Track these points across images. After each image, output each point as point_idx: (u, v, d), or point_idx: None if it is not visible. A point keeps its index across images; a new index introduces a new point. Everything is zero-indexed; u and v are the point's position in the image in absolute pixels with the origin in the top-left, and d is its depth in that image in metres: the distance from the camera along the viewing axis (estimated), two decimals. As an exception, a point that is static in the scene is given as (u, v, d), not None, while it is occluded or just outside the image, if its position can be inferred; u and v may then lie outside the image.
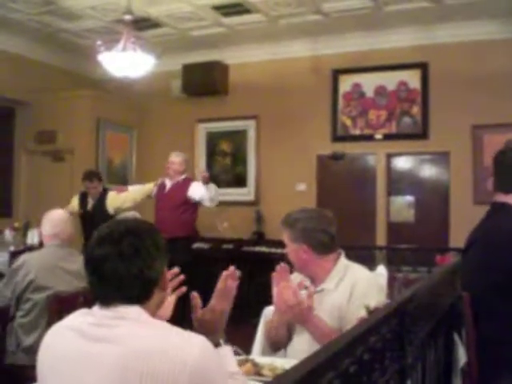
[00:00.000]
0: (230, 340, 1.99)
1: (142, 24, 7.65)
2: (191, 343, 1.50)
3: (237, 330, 2.79)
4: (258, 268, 7.69)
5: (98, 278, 1.59)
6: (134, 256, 1.58)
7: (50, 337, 1.64)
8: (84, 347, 1.51)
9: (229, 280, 2.02)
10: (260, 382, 2.08)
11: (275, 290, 2.61)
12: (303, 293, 2.57)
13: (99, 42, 5.60)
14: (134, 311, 1.56)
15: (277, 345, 2.79)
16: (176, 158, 6.75)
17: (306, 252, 2.76)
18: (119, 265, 1.56)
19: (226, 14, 7.52)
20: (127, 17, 5.75)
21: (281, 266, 2.60)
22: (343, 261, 2.83)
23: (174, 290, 2.10)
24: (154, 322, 1.58)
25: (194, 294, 1.98)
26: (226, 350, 1.87)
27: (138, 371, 1.42)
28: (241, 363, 2.26)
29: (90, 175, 6.92)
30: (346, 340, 1.27)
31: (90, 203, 6.90)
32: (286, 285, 2.56)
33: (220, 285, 2.02)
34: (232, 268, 2.06)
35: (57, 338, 1.61)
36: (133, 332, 1.50)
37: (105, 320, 1.54)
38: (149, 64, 6.00)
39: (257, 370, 2.21)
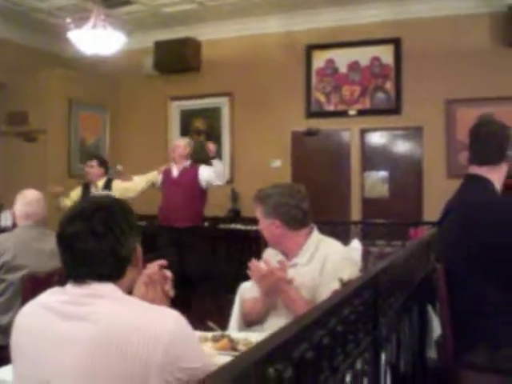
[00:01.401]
0: (209, 316, 1.98)
1: (114, 1, 7.53)
2: (165, 319, 1.50)
3: (215, 307, 2.82)
4: (234, 245, 7.74)
5: (70, 255, 1.58)
6: (106, 233, 1.56)
7: (22, 316, 1.62)
8: (58, 325, 1.50)
9: (155, 274, 1.98)
10: (232, 356, 2.09)
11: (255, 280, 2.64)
12: (276, 265, 2.60)
13: (69, 20, 5.52)
14: (108, 288, 1.55)
15: (252, 321, 2.81)
16: (180, 142, 6.71)
17: (279, 227, 2.78)
18: (91, 242, 1.55)
19: (198, -10, 7.43)
20: (97, -6, 5.66)
21: (251, 263, 2.63)
22: (316, 235, 2.85)
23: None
24: (127, 299, 1.58)
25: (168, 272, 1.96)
26: None
27: (113, 348, 1.42)
28: (217, 339, 2.27)
29: (90, 155, 6.92)
30: (318, 312, 1.28)
31: (93, 191, 6.64)
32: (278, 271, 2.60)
33: (143, 277, 1.96)
34: (159, 262, 2.01)
35: (30, 316, 1.59)
36: (106, 309, 1.50)
37: (78, 298, 1.53)
38: (119, 41, 5.93)
39: (232, 346, 2.22)
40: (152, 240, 6.47)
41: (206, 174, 6.36)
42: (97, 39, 5.67)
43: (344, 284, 2.12)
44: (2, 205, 7.17)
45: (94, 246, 1.55)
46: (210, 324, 2.45)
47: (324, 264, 2.70)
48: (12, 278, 3.48)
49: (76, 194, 6.72)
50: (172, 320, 1.50)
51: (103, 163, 6.70)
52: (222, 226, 8.17)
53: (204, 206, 6.65)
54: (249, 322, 2.82)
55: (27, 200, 3.88)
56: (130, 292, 1.73)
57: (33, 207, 3.83)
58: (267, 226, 2.82)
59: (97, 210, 1.59)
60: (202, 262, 6.50)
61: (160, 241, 6.47)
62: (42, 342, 1.52)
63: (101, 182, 6.60)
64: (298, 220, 2.81)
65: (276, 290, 2.59)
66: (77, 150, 8.73)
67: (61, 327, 1.50)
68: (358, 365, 1.52)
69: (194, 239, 6.42)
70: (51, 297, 1.59)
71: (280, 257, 2.83)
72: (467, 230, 2.63)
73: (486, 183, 2.69)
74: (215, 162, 6.28)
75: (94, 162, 6.60)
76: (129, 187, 6.65)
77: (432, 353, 2.86)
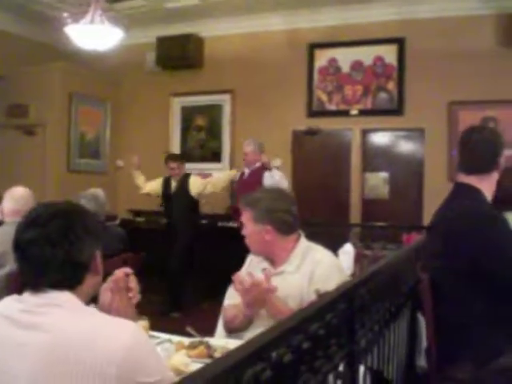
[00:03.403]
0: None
1: (115, -4, 7.49)
2: (120, 333, 1.44)
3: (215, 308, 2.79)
4: (232, 243, 7.66)
5: (25, 262, 1.53)
6: (62, 239, 1.51)
7: None
8: (14, 335, 1.45)
9: (120, 281, 1.90)
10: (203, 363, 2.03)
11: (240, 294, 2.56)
12: (260, 275, 2.52)
13: (66, 14, 5.47)
14: (64, 297, 1.50)
15: (235, 330, 2.72)
16: (247, 148, 6.72)
17: (270, 233, 2.70)
18: (46, 249, 1.50)
19: (201, -14, 7.38)
20: (95, -11, 5.60)
21: (234, 277, 2.55)
22: (304, 241, 2.78)
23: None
24: (83, 309, 1.52)
25: (133, 277, 1.90)
26: None
27: (66, 360, 1.37)
28: (194, 345, 2.21)
29: (174, 155, 7.16)
30: (281, 328, 1.22)
31: (173, 185, 6.96)
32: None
33: (108, 284, 1.89)
34: (125, 269, 1.94)
35: None
36: (61, 319, 1.44)
37: (33, 307, 1.48)
38: (116, 37, 5.87)
39: (209, 353, 2.16)
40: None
41: (267, 182, 6.36)
42: (94, 34, 5.61)
43: (320, 295, 2.06)
44: (1, 198, 7.12)
45: (49, 253, 1.50)
46: (189, 330, 2.39)
47: (313, 273, 2.63)
48: (-3, 275, 3.44)
49: (157, 184, 7.13)
50: (127, 334, 1.45)
51: (184, 161, 7.09)
52: (220, 223, 8.11)
53: None
54: (231, 330, 2.74)
55: (17, 197, 3.86)
56: (94, 299, 1.67)
57: (21, 204, 3.79)
58: (257, 232, 2.72)
59: (53, 217, 1.54)
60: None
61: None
62: None
63: (178, 177, 6.94)
64: (289, 225, 2.74)
65: (261, 301, 2.51)
66: (76, 145, 8.69)
67: (15, 336, 1.45)
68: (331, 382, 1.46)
69: None
70: (8, 304, 1.54)
71: (264, 264, 2.76)
72: (452, 242, 2.56)
73: (473, 193, 2.63)
74: (273, 173, 6.34)
75: (179, 163, 6.94)
76: (209, 181, 7.01)
77: (421, 361, 2.81)
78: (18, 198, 3.81)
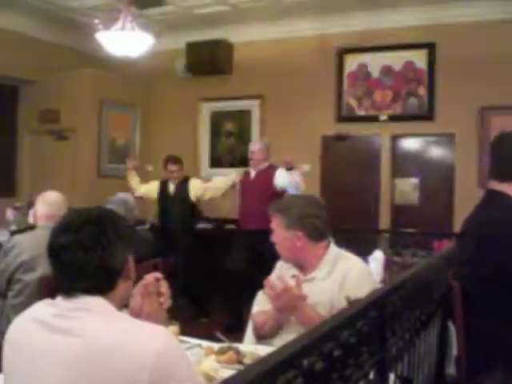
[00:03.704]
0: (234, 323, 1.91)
1: (146, 2, 7.54)
2: (152, 337, 1.45)
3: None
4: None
5: (59, 267, 1.55)
6: (94, 245, 1.53)
7: (14, 329, 1.60)
8: (47, 339, 1.47)
9: (150, 286, 1.90)
10: (236, 370, 2.03)
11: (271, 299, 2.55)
12: (292, 280, 2.52)
13: (97, 21, 5.53)
14: (95, 302, 1.51)
15: (264, 336, 2.72)
16: (254, 147, 6.59)
17: (301, 239, 2.69)
18: (79, 254, 1.52)
19: (230, -8, 7.41)
20: (126, -5, 5.66)
21: (265, 284, 2.54)
22: (334, 248, 2.77)
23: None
24: (115, 314, 1.53)
25: (164, 282, 1.90)
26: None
27: (97, 365, 1.38)
28: (223, 351, 2.21)
29: (174, 158, 6.93)
30: (312, 335, 1.21)
31: (172, 188, 6.86)
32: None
33: (139, 288, 1.89)
34: (155, 274, 1.93)
35: (20, 329, 1.57)
36: (93, 324, 1.46)
37: (67, 311, 1.50)
38: (147, 43, 5.91)
39: (238, 359, 2.16)
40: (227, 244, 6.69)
41: (281, 180, 6.22)
42: (125, 40, 5.66)
43: (351, 302, 2.05)
44: (32, 202, 7.22)
45: (82, 258, 1.52)
46: (219, 335, 2.39)
47: (344, 280, 2.61)
48: (28, 279, 3.48)
49: (153, 186, 7.00)
50: (158, 339, 1.45)
51: (183, 165, 6.93)
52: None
53: None
54: (260, 336, 2.73)
55: (50, 201, 3.89)
56: (126, 305, 1.68)
57: (55, 209, 3.83)
58: (288, 238, 2.71)
59: (86, 222, 1.56)
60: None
61: (234, 245, 6.49)
62: (30, 356, 1.49)
63: (177, 180, 6.83)
64: (319, 231, 2.73)
65: (291, 307, 2.50)
66: (106, 150, 8.77)
67: (48, 340, 1.47)
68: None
69: (263, 243, 6.24)
70: (42, 309, 1.57)
71: (293, 270, 2.75)
72: (482, 248, 2.52)
73: (506, 200, 2.58)
74: (294, 172, 6.14)
75: (179, 166, 6.83)
76: (208, 186, 6.87)
77: (451, 369, 2.78)
78: (52, 203, 3.84)
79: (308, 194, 3.14)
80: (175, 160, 6.89)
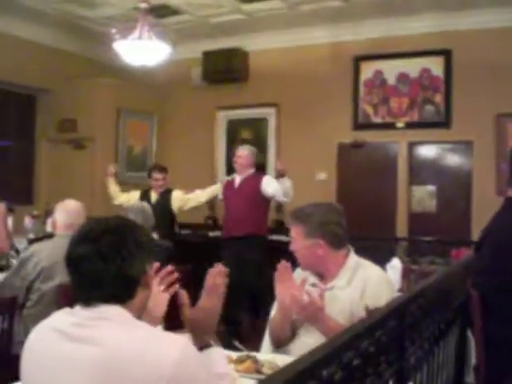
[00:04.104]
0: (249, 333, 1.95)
1: (162, 11, 7.61)
2: (171, 346, 1.46)
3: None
4: (276, 257, 7.62)
5: (78, 277, 1.56)
6: (113, 255, 1.54)
7: (33, 338, 1.61)
8: (65, 348, 1.48)
9: (217, 277, 1.96)
10: (254, 380, 2.03)
11: (278, 288, 2.54)
12: (313, 290, 2.51)
13: (114, 30, 5.57)
14: (114, 311, 1.52)
15: (281, 342, 2.71)
16: (242, 152, 6.57)
17: (322, 247, 2.67)
18: (98, 264, 1.52)
19: (245, 1, 7.44)
20: (143, 5, 5.70)
21: (282, 264, 2.53)
22: (354, 257, 2.75)
23: (169, 286, 2.05)
24: (134, 323, 1.54)
25: (182, 292, 1.92)
26: (216, 351, 1.82)
27: (116, 374, 1.38)
28: (241, 360, 2.21)
29: (160, 167, 6.94)
30: (332, 345, 1.21)
31: (154, 198, 6.79)
32: (293, 284, 2.50)
33: (208, 282, 1.95)
34: (220, 265, 1.99)
35: (39, 338, 1.58)
36: (111, 333, 1.46)
37: (86, 320, 1.50)
38: (164, 52, 5.95)
39: (257, 368, 2.16)
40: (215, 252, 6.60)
41: (271, 187, 6.23)
42: (142, 50, 5.70)
43: (370, 312, 2.04)
44: (50, 210, 7.27)
45: (101, 268, 1.53)
46: (237, 344, 2.39)
47: (364, 289, 2.59)
48: (46, 288, 3.50)
49: (134, 196, 6.87)
50: (177, 349, 1.46)
51: (167, 174, 6.87)
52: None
53: (267, 215, 6.57)
54: (277, 344, 2.72)
55: (69, 210, 3.90)
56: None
57: (74, 218, 3.84)
58: (309, 247, 2.67)
59: (105, 232, 1.57)
60: (261, 273, 6.38)
61: (222, 253, 6.34)
62: (49, 365, 1.49)
63: (161, 189, 6.77)
64: (340, 239, 2.71)
65: (314, 318, 2.47)
66: (124, 158, 8.82)
67: (67, 349, 1.47)
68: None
69: (251, 249, 6.27)
70: (60, 318, 1.58)
71: (312, 279, 2.73)
72: (499, 257, 2.51)
73: None
74: (284, 179, 6.11)
75: (164, 175, 6.78)
76: (190, 198, 6.78)
77: (470, 378, 2.75)
78: (71, 211, 3.86)
79: (326, 202, 3.11)
80: (160, 169, 6.86)
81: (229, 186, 6.56)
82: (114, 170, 7.12)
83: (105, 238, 1.55)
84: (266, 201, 6.40)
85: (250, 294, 6.15)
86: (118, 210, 5.79)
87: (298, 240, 2.71)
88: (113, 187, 7.03)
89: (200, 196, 6.85)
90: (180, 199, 6.78)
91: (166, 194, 6.78)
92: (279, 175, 6.14)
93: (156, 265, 1.89)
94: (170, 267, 2.03)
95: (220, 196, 6.72)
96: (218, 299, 1.94)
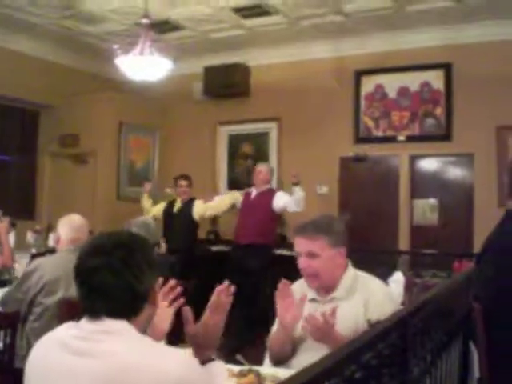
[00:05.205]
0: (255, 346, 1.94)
1: (163, 27, 7.66)
2: (173, 361, 1.46)
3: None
4: (279, 272, 7.60)
5: (86, 289, 1.56)
6: (124, 269, 1.54)
7: (36, 350, 1.61)
8: (66, 361, 1.48)
9: (222, 295, 1.96)
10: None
11: (279, 305, 2.52)
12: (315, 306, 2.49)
13: (116, 46, 5.60)
14: (119, 325, 1.52)
15: (280, 359, 2.68)
16: (263, 167, 7.07)
17: (342, 255, 2.65)
18: (108, 277, 1.53)
19: (246, 16, 7.47)
20: (144, 20, 5.73)
21: (282, 283, 2.51)
22: (351, 268, 2.74)
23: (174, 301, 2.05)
24: (137, 338, 1.54)
25: (186, 308, 1.92)
26: (217, 365, 1.82)
27: None
28: (243, 374, 2.21)
29: (185, 175, 7.34)
30: (334, 358, 1.22)
31: (177, 207, 7.21)
32: (293, 301, 2.49)
33: (213, 298, 1.95)
34: (226, 283, 1.99)
35: (42, 350, 1.58)
36: (115, 348, 1.47)
37: (89, 334, 1.51)
38: (166, 67, 5.97)
39: (259, 382, 2.15)
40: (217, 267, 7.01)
41: (282, 200, 6.72)
42: (144, 65, 5.73)
43: (372, 325, 2.04)
44: (52, 225, 7.28)
45: (111, 281, 1.53)
46: (239, 358, 2.39)
47: (367, 301, 2.56)
48: (49, 303, 3.49)
49: (159, 208, 7.38)
50: (179, 364, 1.46)
51: (191, 183, 7.31)
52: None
53: (275, 227, 7.15)
54: (277, 360, 2.68)
55: (73, 224, 3.89)
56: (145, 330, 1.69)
57: (79, 232, 3.84)
58: (332, 257, 2.59)
59: (116, 246, 1.58)
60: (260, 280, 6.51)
61: (229, 259, 6.95)
62: (50, 377, 1.50)
63: (185, 198, 7.20)
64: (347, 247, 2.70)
65: (326, 337, 2.39)
66: (126, 173, 8.84)
67: (67, 362, 1.48)
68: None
69: (255, 257, 6.63)
70: (65, 331, 1.58)
71: (311, 294, 2.68)
72: (501, 272, 2.51)
73: None
74: (297, 189, 6.61)
75: (189, 183, 7.24)
76: (209, 205, 7.16)
77: (473, 391, 2.74)
78: (74, 226, 3.85)
79: (326, 214, 3.04)
80: (185, 177, 7.28)
81: (246, 197, 7.01)
82: (148, 186, 7.63)
83: (116, 253, 1.56)
84: (276, 215, 6.91)
85: (248, 302, 6.20)
86: (121, 224, 5.79)
87: (323, 254, 2.60)
88: (149, 202, 7.50)
89: (221, 205, 7.19)
90: (200, 207, 7.12)
91: (189, 203, 7.18)
92: (293, 184, 6.61)
93: (160, 279, 1.89)
94: (172, 282, 2.03)
95: (239, 205, 7.10)
96: (221, 317, 1.93)
